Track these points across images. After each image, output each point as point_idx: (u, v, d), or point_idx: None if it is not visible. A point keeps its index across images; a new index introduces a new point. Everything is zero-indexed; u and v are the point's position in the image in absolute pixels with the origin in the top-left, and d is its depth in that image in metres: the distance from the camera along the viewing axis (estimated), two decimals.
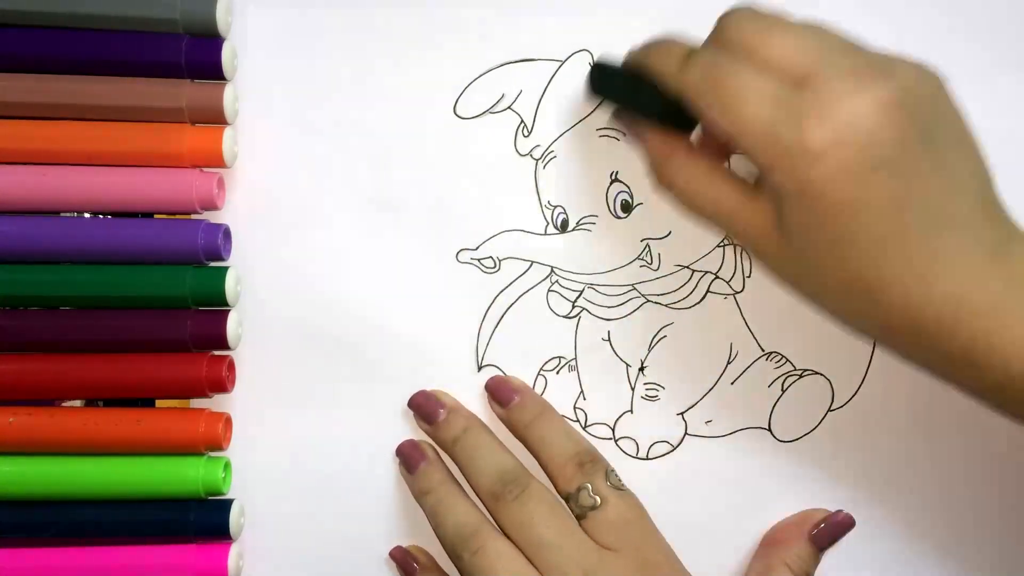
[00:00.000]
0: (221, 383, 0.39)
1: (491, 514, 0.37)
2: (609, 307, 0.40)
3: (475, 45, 0.40)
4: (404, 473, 0.39)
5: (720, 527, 0.40)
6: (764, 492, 0.40)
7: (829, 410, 0.40)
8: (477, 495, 0.38)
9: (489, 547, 0.36)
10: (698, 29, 0.40)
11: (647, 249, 0.40)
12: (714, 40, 0.33)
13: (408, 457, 0.39)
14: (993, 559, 0.40)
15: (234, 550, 0.39)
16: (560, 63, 0.40)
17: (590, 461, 0.37)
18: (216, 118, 0.38)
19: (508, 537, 0.36)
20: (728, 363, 0.40)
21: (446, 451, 0.39)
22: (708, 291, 0.40)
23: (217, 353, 0.39)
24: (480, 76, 0.40)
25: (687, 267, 0.40)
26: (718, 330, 0.40)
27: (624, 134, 0.39)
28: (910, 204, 0.30)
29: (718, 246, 0.40)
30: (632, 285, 0.40)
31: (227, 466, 0.39)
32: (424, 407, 0.39)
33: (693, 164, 0.34)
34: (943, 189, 0.31)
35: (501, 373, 0.40)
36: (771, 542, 0.39)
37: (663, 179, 0.35)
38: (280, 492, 0.40)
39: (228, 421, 0.40)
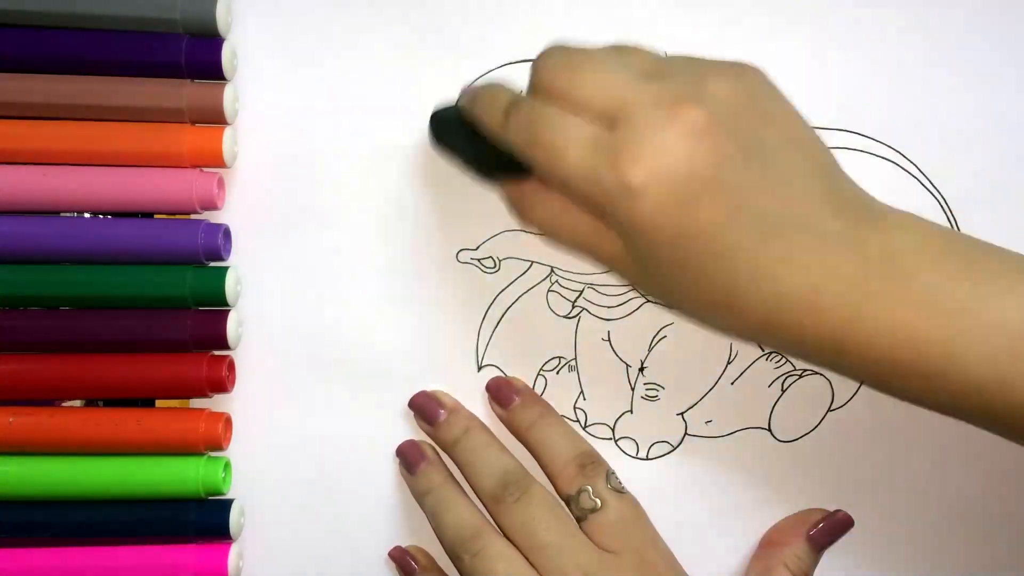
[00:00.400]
0: (221, 383, 0.39)
1: (492, 516, 0.37)
2: (609, 307, 0.40)
3: (475, 45, 0.40)
4: (404, 473, 0.39)
5: (720, 527, 0.40)
6: (764, 492, 0.40)
7: (829, 410, 0.40)
8: (478, 496, 0.38)
9: (490, 548, 0.36)
10: (696, 28, 0.40)
11: None
12: (531, 86, 0.33)
13: (408, 457, 0.39)
14: (993, 559, 0.40)
15: (234, 550, 0.39)
16: None
17: (591, 463, 0.37)
18: (216, 118, 0.38)
19: (508, 539, 0.36)
20: (728, 363, 0.40)
21: (447, 452, 0.39)
22: None
23: (217, 353, 0.39)
24: (480, 76, 0.40)
25: None
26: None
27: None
28: (742, 218, 0.30)
29: None
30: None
31: (227, 466, 0.39)
32: (424, 407, 0.39)
33: (545, 202, 0.34)
34: (776, 194, 0.31)
35: (501, 373, 0.40)
36: (769, 543, 0.39)
37: (523, 217, 0.35)
38: (280, 492, 0.40)
39: (228, 421, 0.40)
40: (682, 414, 0.40)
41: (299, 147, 0.40)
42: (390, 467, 0.40)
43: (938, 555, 0.40)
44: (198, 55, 0.38)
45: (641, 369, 0.40)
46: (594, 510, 0.36)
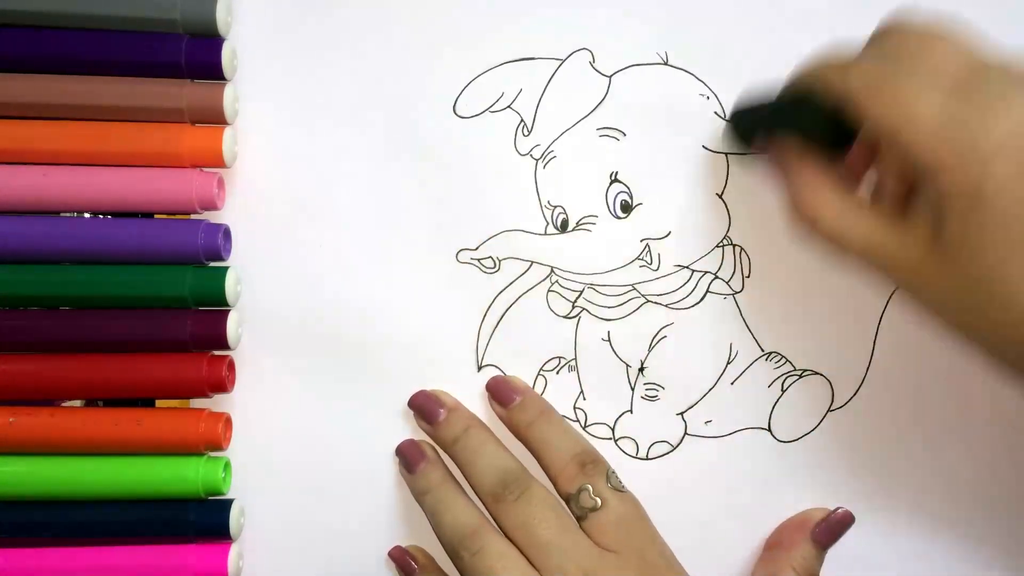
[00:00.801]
0: (221, 383, 0.39)
1: (491, 515, 0.37)
2: (609, 307, 0.40)
3: (475, 44, 0.40)
4: (404, 473, 0.39)
5: (720, 527, 0.40)
6: (764, 492, 0.40)
7: (829, 410, 0.40)
8: (477, 495, 0.38)
9: (489, 547, 0.36)
10: (697, 28, 0.40)
11: (647, 249, 0.40)
12: (874, 48, 0.33)
13: (408, 456, 0.39)
14: (993, 558, 0.40)
15: (234, 550, 0.39)
16: (560, 62, 0.40)
17: (591, 462, 0.37)
18: (216, 118, 0.38)
19: (508, 538, 0.36)
20: (728, 363, 0.40)
21: (446, 451, 0.39)
22: (708, 291, 0.40)
23: (217, 353, 0.39)
24: (480, 75, 0.40)
25: (687, 267, 0.40)
26: (718, 330, 0.40)
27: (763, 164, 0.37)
28: None
29: (717, 246, 0.40)
30: (632, 285, 0.40)
31: (227, 466, 0.39)
32: (424, 407, 0.39)
33: (841, 196, 0.33)
34: None
35: (501, 373, 0.40)
36: (774, 545, 0.39)
37: (807, 211, 0.33)
38: (280, 492, 0.40)
39: (228, 421, 0.40)
40: (682, 414, 0.40)
41: (299, 147, 0.40)
42: (390, 467, 0.40)
43: (938, 555, 0.40)
44: (198, 55, 0.38)
45: (641, 369, 0.40)
46: (594, 509, 0.36)
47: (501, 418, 0.39)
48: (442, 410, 0.39)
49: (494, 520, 0.37)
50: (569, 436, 0.38)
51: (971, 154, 0.29)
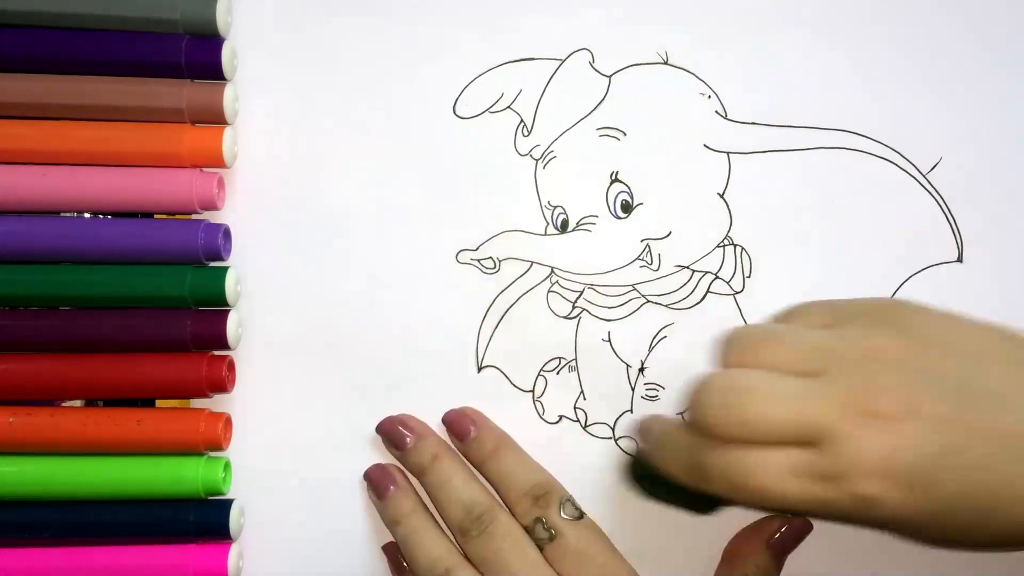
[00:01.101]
0: (221, 383, 0.39)
1: (460, 546, 0.37)
2: (609, 307, 0.40)
3: (474, 44, 0.40)
4: (373, 498, 0.39)
5: (719, 528, 0.40)
6: None
7: None
8: (447, 526, 0.38)
9: None
10: (698, 27, 0.40)
11: (647, 249, 0.40)
12: (695, 424, 0.31)
13: (377, 483, 0.39)
14: (994, 558, 0.40)
15: (234, 550, 0.39)
16: (560, 62, 0.40)
17: (544, 494, 0.37)
18: (216, 118, 0.38)
19: (477, 570, 0.36)
20: None
21: (416, 478, 0.39)
22: (708, 291, 0.40)
23: (217, 353, 0.39)
24: (480, 75, 0.40)
25: (687, 267, 0.40)
26: (718, 330, 0.40)
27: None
28: (983, 468, 0.29)
29: (718, 246, 0.40)
30: (632, 285, 0.40)
31: (227, 466, 0.39)
32: (391, 433, 0.39)
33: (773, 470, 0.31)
34: (996, 417, 0.29)
35: (501, 374, 0.40)
36: (731, 555, 0.39)
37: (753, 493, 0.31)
38: (280, 492, 0.40)
39: (228, 421, 0.40)
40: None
41: (299, 147, 0.40)
42: None
43: (938, 555, 0.40)
44: (198, 55, 0.38)
45: (641, 369, 0.40)
46: (551, 540, 0.36)
47: (460, 452, 0.39)
48: (409, 437, 0.39)
49: (463, 551, 0.37)
50: (523, 467, 0.38)
51: (859, 509, 0.29)
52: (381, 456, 0.40)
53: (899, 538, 0.31)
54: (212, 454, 0.39)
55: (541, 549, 0.37)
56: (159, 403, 0.40)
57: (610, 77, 0.40)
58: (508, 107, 0.40)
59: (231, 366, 0.40)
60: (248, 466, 0.40)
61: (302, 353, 0.40)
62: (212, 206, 0.39)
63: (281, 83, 0.40)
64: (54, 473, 0.38)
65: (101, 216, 0.39)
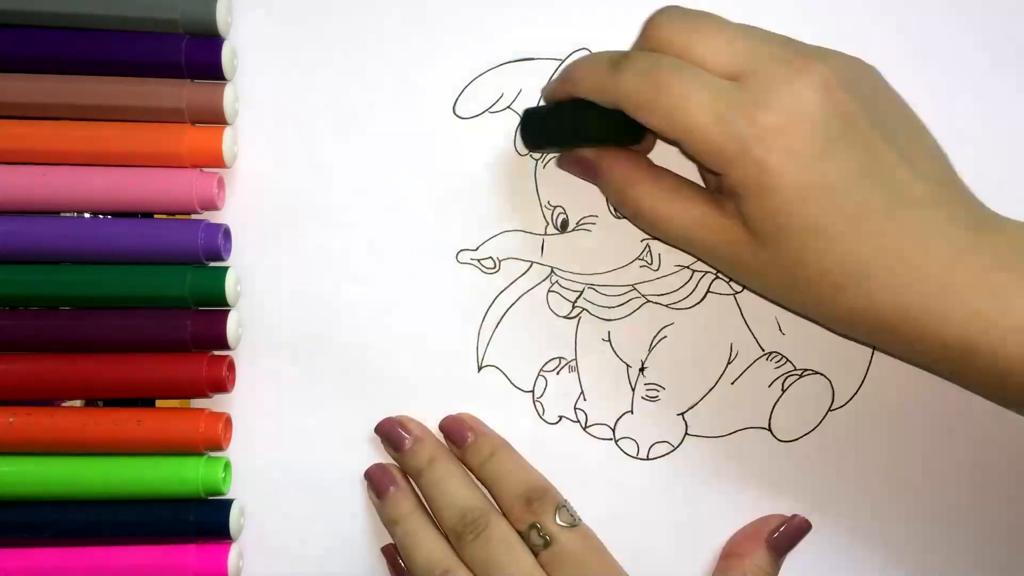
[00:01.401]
0: (221, 383, 0.39)
1: (456, 550, 0.37)
2: (609, 307, 0.40)
3: (474, 45, 0.40)
4: (373, 498, 0.39)
5: (720, 527, 0.40)
6: (764, 492, 0.40)
7: (829, 410, 0.40)
8: (442, 528, 0.38)
9: None
10: None
11: (647, 249, 0.40)
12: (643, 44, 0.33)
13: (377, 482, 0.39)
14: (993, 559, 0.40)
15: (234, 550, 0.39)
16: (560, 62, 0.40)
17: (539, 499, 0.37)
18: (216, 118, 0.38)
19: (473, 573, 0.36)
20: (728, 363, 0.40)
21: (413, 480, 0.39)
22: (708, 291, 0.40)
23: (217, 353, 0.39)
24: (479, 76, 0.40)
25: (687, 267, 0.40)
26: (718, 330, 0.40)
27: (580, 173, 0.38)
28: (871, 181, 0.30)
29: None
30: (632, 285, 0.40)
31: (227, 466, 0.39)
32: (390, 434, 0.39)
33: (657, 186, 0.34)
34: (903, 166, 0.31)
35: (501, 373, 0.40)
36: (730, 553, 0.39)
37: (627, 204, 0.34)
38: (280, 492, 0.40)
39: (228, 421, 0.40)
40: (682, 414, 0.40)
41: (299, 147, 0.40)
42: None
43: (938, 555, 0.40)
44: (198, 55, 0.38)
45: (641, 369, 0.40)
46: (546, 546, 0.36)
47: (457, 458, 0.39)
48: (407, 439, 0.39)
49: (458, 555, 0.37)
50: (519, 472, 0.38)
51: (748, 149, 0.30)
52: (380, 456, 0.40)
53: (738, 261, 0.33)
54: (212, 454, 0.39)
55: (536, 555, 0.36)
56: (159, 403, 0.40)
57: None
58: (508, 107, 0.40)
59: (231, 366, 0.40)
60: (248, 466, 0.40)
61: (302, 353, 0.40)
62: (212, 206, 0.39)
63: (281, 83, 0.40)
64: (54, 473, 0.38)
65: (101, 216, 0.39)
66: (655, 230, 0.35)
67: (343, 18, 0.40)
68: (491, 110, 0.40)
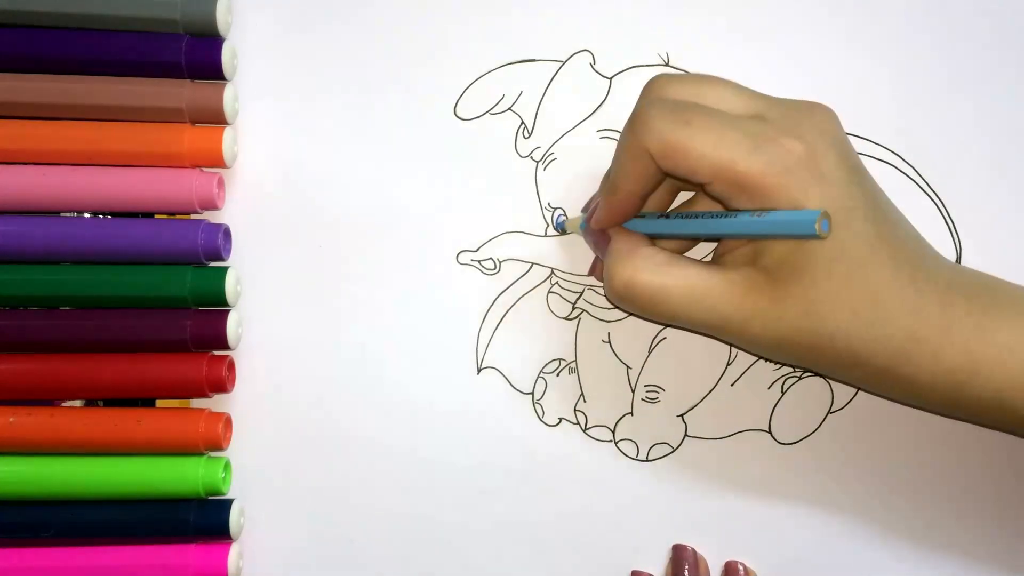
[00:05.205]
0: (221, 383, 0.39)
1: None
2: (609, 309, 0.40)
3: (475, 46, 0.40)
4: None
5: (720, 529, 0.40)
6: (764, 494, 0.40)
7: (829, 412, 0.40)
8: None
9: None
10: (697, 28, 0.40)
11: None
12: (650, 97, 0.33)
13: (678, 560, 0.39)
14: (993, 559, 0.40)
15: (234, 550, 0.39)
16: (561, 63, 0.40)
17: None
18: (216, 118, 0.38)
19: None
20: (728, 365, 0.40)
21: None
22: None
23: (217, 353, 0.39)
24: (480, 77, 0.40)
25: None
26: None
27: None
28: (885, 206, 0.32)
29: None
30: None
31: (227, 466, 0.40)
32: (680, 558, 0.39)
33: (656, 250, 0.33)
34: (890, 221, 0.32)
35: (501, 375, 0.40)
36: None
37: (624, 274, 0.33)
38: (280, 492, 0.40)
39: (228, 421, 0.40)
40: (682, 416, 0.40)
41: (299, 147, 0.40)
42: (390, 468, 0.40)
43: (939, 556, 0.40)
44: (198, 55, 0.38)
45: (641, 371, 0.40)
46: None
47: None
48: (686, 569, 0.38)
49: None
50: None
51: (785, 177, 0.30)
52: (380, 456, 0.40)
53: (747, 314, 0.32)
54: (212, 454, 0.39)
55: None
56: (159, 403, 0.40)
57: (611, 79, 0.40)
58: (509, 109, 0.40)
59: (231, 366, 0.40)
60: (248, 466, 0.40)
61: (302, 353, 0.40)
62: (212, 206, 0.39)
63: (281, 83, 0.40)
64: (54, 473, 0.38)
65: (101, 216, 0.39)
66: (655, 298, 0.33)
67: (344, 18, 0.40)
68: (492, 112, 0.40)
